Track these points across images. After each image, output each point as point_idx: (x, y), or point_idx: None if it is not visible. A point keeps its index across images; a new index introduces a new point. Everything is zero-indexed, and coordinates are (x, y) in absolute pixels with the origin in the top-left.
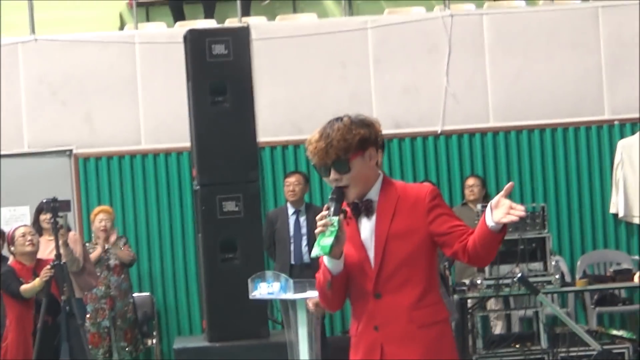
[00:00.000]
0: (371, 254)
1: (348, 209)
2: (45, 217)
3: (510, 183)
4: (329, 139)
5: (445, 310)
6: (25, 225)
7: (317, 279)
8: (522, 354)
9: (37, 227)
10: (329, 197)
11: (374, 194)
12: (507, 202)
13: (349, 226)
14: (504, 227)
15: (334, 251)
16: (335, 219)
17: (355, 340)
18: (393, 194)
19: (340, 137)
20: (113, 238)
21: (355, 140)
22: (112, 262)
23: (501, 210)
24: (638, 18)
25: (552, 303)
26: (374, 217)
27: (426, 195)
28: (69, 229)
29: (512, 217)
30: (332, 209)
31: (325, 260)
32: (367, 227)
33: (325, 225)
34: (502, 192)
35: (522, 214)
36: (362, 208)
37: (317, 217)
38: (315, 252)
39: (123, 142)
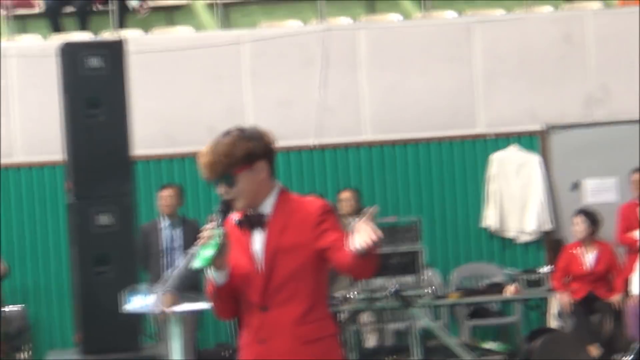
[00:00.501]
0: (259, 266)
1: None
2: None
3: (373, 207)
4: (215, 154)
5: (333, 325)
6: None
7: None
8: None
9: None
10: (216, 209)
11: (267, 206)
12: (366, 226)
13: (243, 237)
14: (370, 248)
15: (216, 263)
16: (218, 231)
17: (242, 352)
18: (288, 207)
19: (225, 152)
20: None
21: (241, 155)
22: None
23: (359, 236)
24: (511, 33)
25: (425, 316)
26: (266, 230)
27: (316, 211)
28: None
29: (364, 245)
30: (216, 221)
31: (209, 271)
32: (258, 239)
33: (208, 237)
34: (363, 218)
35: (375, 239)
36: (253, 220)
37: (202, 229)
38: (196, 263)
39: None
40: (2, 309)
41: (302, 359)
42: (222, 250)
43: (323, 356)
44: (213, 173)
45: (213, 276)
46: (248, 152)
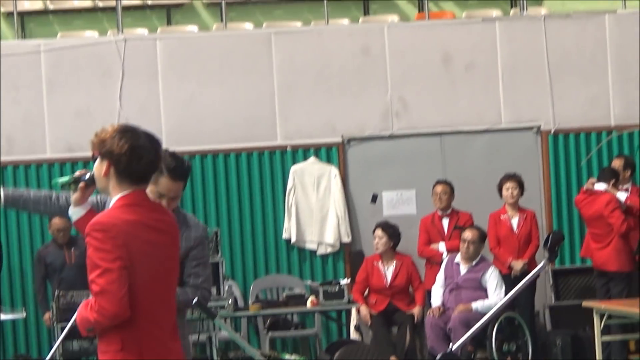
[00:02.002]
0: None
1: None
2: None
3: None
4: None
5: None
6: None
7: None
8: None
9: None
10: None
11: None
12: None
13: None
14: None
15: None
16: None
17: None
18: None
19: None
20: None
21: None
22: None
23: None
24: (310, 45)
25: (228, 328)
26: None
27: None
28: None
29: None
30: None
31: (71, 210)
32: None
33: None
34: None
35: None
36: None
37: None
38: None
39: None
40: None
41: None
42: (74, 185)
43: None
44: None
45: (71, 213)
46: (100, 147)
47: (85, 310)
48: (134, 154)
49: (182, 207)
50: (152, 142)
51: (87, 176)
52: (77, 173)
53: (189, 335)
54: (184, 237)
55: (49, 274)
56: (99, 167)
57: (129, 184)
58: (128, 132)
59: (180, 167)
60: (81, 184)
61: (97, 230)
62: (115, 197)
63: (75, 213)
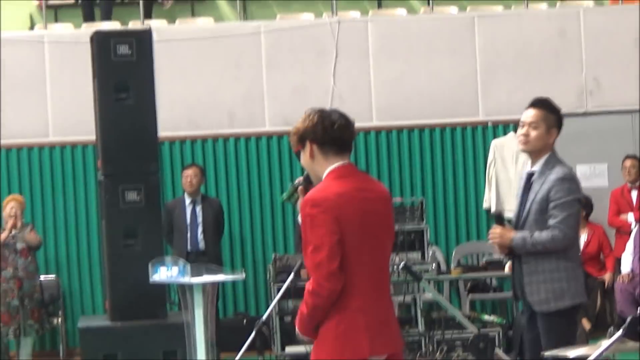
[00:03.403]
0: None
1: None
2: None
3: None
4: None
5: None
6: None
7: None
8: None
9: None
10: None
11: None
12: None
13: None
14: None
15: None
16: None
17: None
18: None
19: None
20: (19, 224)
21: (294, 136)
22: (19, 245)
23: None
24: (510, 28)
25: (432, 289)
26: None
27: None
28: None
29: None
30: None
31: None
32: None
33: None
34: None
35: None
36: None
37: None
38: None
39: (32, 134)
40: (37, 278)
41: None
42: (296, 193)
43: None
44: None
45: None
46: (298, 134)
47: (300, 313)
48: (326, 120)
49: (388, 176)
50: (339, 112)
51: (302, 179)
52: (294, 182)
53: None
54: None
55: None
56: (305, 156)
57: (334, 155)
58: (314, 110)
59: None
60: (300, 188)
61: (309, 206)
62: (325, 172)
63: None
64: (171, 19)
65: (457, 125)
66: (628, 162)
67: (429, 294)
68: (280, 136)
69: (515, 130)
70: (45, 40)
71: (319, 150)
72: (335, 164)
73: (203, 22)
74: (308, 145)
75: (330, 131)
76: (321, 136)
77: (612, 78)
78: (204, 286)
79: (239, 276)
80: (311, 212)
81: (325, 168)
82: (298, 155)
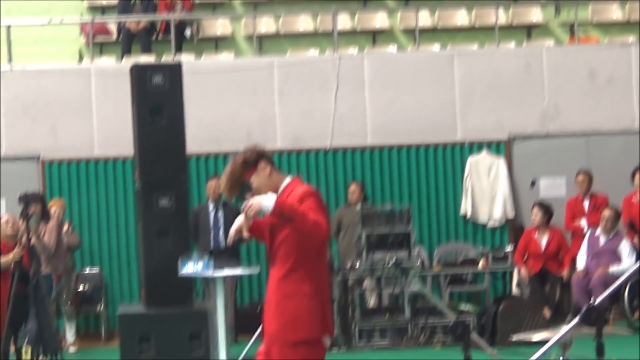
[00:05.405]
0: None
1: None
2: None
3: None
4: (224, 177)
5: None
6: (7, 214)
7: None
8: (391, 323)
9: (25, 215)
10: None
11: (280, 189)
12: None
13: None
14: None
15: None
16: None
17: None
18: (288, 190)
19: (228, 172)
20: (66, 226)
21: (240, 166)
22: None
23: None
24: (484, 63)
25: (418, 283)
26: None
27: (301, 193)
28: (47, 218)
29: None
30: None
31: None
32: None
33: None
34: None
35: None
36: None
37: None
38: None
39: (81, 150)
40: (75, 272)
41: (280, 310)
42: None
43: (296, 310)
44: (232, 190)
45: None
46: (245, 161)
47: (304, 213)
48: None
49: (380, 187)
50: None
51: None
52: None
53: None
54: None
55: None
56: (260, 176)
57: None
58: (251, 144)
59: None
60: (252, 216)
61: (316, 193)
62: (284, 182)
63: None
64: (198, 54)
65: (439, 145)
66: (580, 177)
67: (415, 287)
68: (289, 153)
69: (487, 149)
70: (92, 72)
71: (273, 168)
72: (288, 175)
73: (225, 57)
74: (262, 165)
75: (270, 155)
76: (270, 158)
77: (570, 106)
78: (224, 279)
79: (254, 270)
80: (317, 195)
81: (283, 179)
82: (243, 187)
